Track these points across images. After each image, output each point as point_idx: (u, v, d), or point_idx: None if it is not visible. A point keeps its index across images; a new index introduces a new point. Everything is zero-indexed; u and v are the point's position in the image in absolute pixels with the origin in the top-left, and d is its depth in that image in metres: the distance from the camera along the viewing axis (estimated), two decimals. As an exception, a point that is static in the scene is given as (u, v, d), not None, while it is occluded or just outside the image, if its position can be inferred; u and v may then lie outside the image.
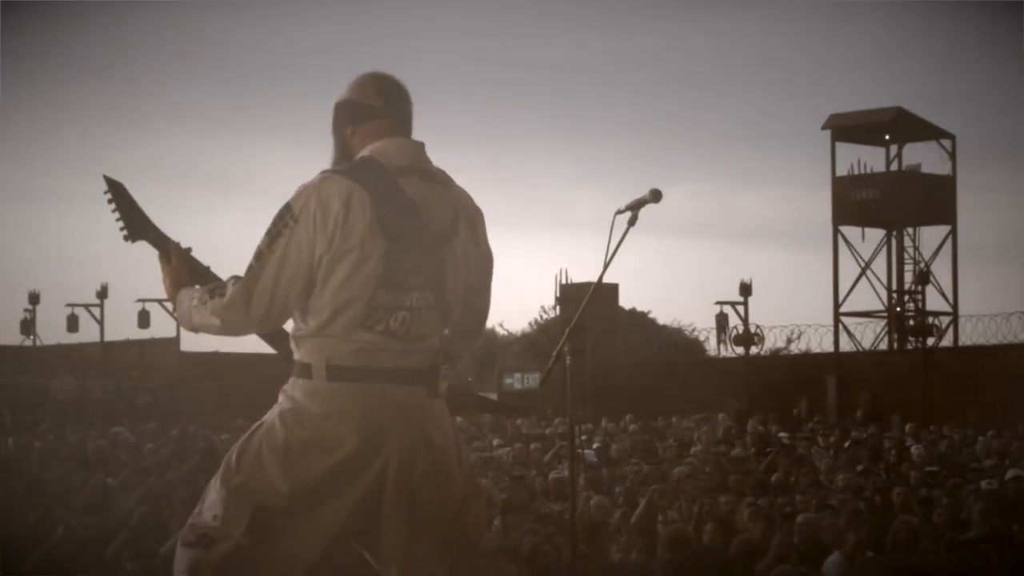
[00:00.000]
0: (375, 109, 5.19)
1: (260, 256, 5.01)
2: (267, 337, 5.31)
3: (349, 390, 5.01)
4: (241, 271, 5.06)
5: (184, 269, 5.26)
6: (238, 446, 5.13)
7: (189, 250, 5.34)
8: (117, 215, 5.31)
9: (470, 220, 5.22)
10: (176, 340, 40.23)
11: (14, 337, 43.95)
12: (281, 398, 5.11)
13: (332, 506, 4.99)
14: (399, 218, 5.02)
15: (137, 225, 5.32)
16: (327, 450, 4.99)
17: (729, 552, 11.34)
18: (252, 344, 5.30)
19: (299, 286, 5.00)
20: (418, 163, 5.16)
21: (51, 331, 45.10)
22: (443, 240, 5.12)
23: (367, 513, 5.03)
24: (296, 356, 5.10)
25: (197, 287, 5.21)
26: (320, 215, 4.95)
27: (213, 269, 5.34)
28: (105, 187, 5.33)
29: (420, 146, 5.21)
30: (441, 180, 5.20)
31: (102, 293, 42.76)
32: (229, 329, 5.12)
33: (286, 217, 4.98)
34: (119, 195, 5.33)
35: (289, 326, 5.18)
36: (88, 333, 43.01)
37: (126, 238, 5.34)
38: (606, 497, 14.25)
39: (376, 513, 5.04)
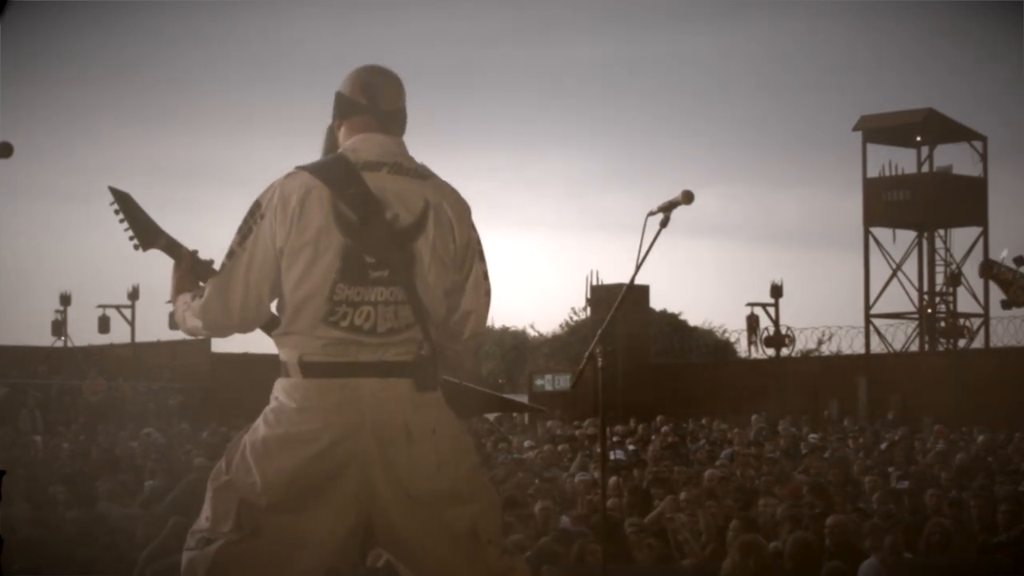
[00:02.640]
0: (358, 105, 5.23)
1: (232, 254, 5.06)
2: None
3: (324, 386, 5.01)
4: None
5: (190, 276, 5.24)
6: (228, 449, 5.18)
7: (195, 253, 5.27)
8: (125, 225, 5.29)
9: (441, 213, 5.13)
10: (207, 341, 40.15)
11: (46, 338, 44.00)
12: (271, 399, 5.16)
13: (316, 502, 4.98)
14: (359, 213, 5.00)
15: (146, 234, 5.29)
16: (301, 445, 4.99)
17: (784, 550, 11.16)
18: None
19: (269, 281, 5.03)
20: (389, 158, 5.14)
21: (82, 332, 45.19)
22: (410, 234, 5.07)
23: (364, 512, 5.02)
24: (279, 356, 5.14)
25: (193, 292, 5.21)
26: (280, 209, 5.00)
27: None
28: (111, 199, 5.28)
29: (397, 142, 5.21)
30: (415, 174, 5.16)
31: (133, 294, 42.84)
32: (211, 328, 5.17)
33: (255, 214, 5.04)
34: (126, 205, 5.29)
35: None
36: (119, 334, 43.14)
37: (136, 247, 5.31)
38: (640, 498, 14.25)
39: (374, 511, 5.02)
